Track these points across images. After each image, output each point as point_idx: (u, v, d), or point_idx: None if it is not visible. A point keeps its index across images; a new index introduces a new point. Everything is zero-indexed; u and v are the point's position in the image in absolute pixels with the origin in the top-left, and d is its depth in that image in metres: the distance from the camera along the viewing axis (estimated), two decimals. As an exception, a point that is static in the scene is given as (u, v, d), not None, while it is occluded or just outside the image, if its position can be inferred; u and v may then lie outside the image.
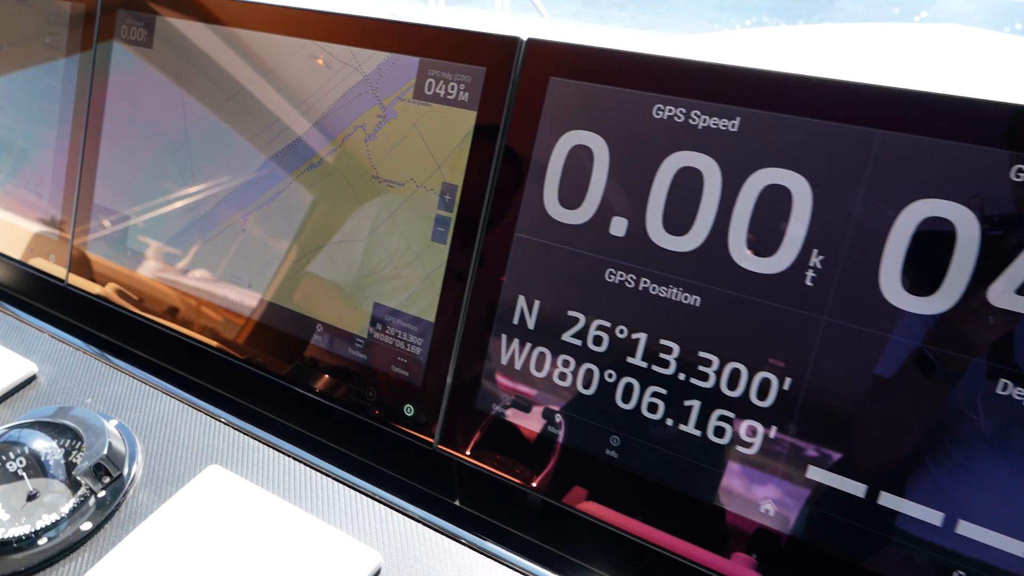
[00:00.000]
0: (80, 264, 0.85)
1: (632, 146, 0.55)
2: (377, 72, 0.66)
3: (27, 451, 0.61)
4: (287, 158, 0.71)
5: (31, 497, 0.60)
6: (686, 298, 0.54)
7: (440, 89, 0.63)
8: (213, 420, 0.66)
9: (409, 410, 0.64)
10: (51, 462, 0.61)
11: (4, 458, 0.61)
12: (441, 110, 0.63)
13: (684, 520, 0.53)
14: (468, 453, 0.62)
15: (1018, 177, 0.44)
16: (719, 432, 0.53)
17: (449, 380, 0.62)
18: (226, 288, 0.75)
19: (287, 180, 0.71)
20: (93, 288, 0.83)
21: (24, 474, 0.60)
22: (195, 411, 0.67)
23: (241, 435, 0.64)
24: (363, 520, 0.57)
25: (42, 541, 0.56)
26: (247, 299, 0.73)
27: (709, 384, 0.53)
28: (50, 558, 0.56)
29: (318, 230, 0.69)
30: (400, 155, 0.65)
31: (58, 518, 0.57)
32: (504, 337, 0.60)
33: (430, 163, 0.63)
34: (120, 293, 0.82)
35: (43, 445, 0.61)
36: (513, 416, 0.60)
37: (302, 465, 0.62)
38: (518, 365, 0.60)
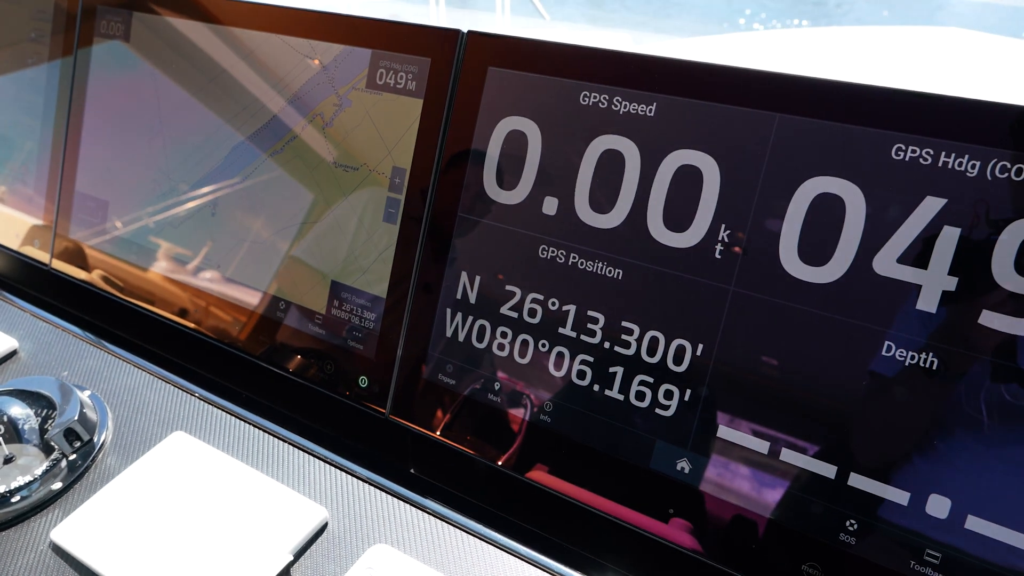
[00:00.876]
0: (63, 249, 0.89)
1: (562, 130, 0.59)
2: (334, 63, 0.70)
3: (4, 417, 0.65)
4: (252, 145, 0.75)
5: (7, 460, 0.64)
6: (610, 272, 0.58)
7: (390, 79, 0.67)
8: (180, 391, 0.71)
9: (364, 382, 0.68)
10: (26, 428, 0.65)
11: (-17, 424, 0.65)
12: (391, 98, 0.67)
13: (613, 480, 0.57)
14: (417, 421, 0.66)
15: (897, 155, 0.48)
16: (640, 396, 0.57)
17: (399, 353, 0.66)
18: (195, 269, 0.79)
19: (252, 166, 0.75)
20: (74, 272, 0.88)
21: (0, 439, 0.65)
22: (164, 383, 0.72)
23: (206, 405, 0.69)
24: (315, 481, 0.62)
25: (15, 499, 0.61)
26: (215, 279, 0.77)
27: (631, 351, 0.57)
28: (23, 514, 0.60)
29: (281, 213, 0.73)
30: (354, 141, 0.69)
31: (31, 479, 0.62)
32: (448, 311, 0.64)
33: (382, 148, 0.67)
34: (100, 276, 0.86)
35: (19, 412, 0.66)
36: (457, 386, 0.64)
37: (261, 432, 0.66)
38: (461, 337, 0.64)
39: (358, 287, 0.69)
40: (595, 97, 0.58)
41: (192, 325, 0.78)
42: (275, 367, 0.73)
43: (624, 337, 0.57)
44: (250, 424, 0.67)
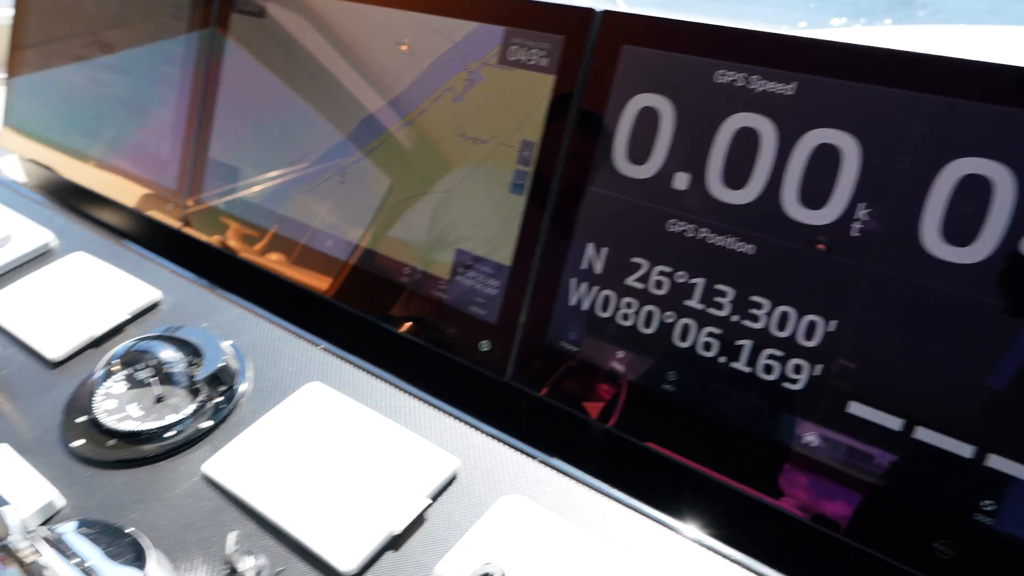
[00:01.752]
0: (194, 213, 0.95)
1: (696, 108, 0.61)
2: (465, 40, 0.73)
3: (156, 360, 0.71)
4: (383, 116, 0.79)
5: (158, 400, 0.70)
6: (741, 247, 0.59)
7: (522, 55, 0.69)
8: (313, 347, 0.75)
9: (485, 346, 0.71)
10: (176, 371, 0.70)
11: (137, 366, 0.71)
12: (523, 74, 0.69)
13: (737, 452, 0.59)
14: (537, 387, 0.68)
15: (1055, 136, 0.47)
16: (768, 369, 0.58)
17: (522, 319, 0.69)
18: (322, 234, 0.83)
19: (382, 136, 0.79)
20: (206, 235, 0.93)
21: (152, 380, 0.70)
22: (297, 339, 0.76)
23: (338, 360, 0.73)
24: (444, 434, 0.65)
25: (169, 434, 0.66)
26: (342, 245, 0.82)
27: (760, 325, 0.58)
28: (175, 448, 0.65)
29: (409, 182, 0.77)
30: (484, 115, 0.72)
31: (182, 417, 0.67)
32: (573, 281, 0.67)
33: (511, 122, 0.70)
34: (230, 239, 0.91)
35: (170, 355, 0.71)
36: (579, 353, 0.66)
37: (391, 386, 0.69)
38: (585, 306, 0.66)
39: (483, 255, 0.72)
40: (731, 75, 0.59)
41: (319, 288, 0.83)
42: (398, 330, 0.77)
43: (753, 311, 0.58)
44: (379, 379, 0.70)
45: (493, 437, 0.64)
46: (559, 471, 0.61)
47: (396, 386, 0.70)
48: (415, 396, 0.69)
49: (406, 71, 0.77)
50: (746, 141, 0.58)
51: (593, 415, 0.65)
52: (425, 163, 0.76)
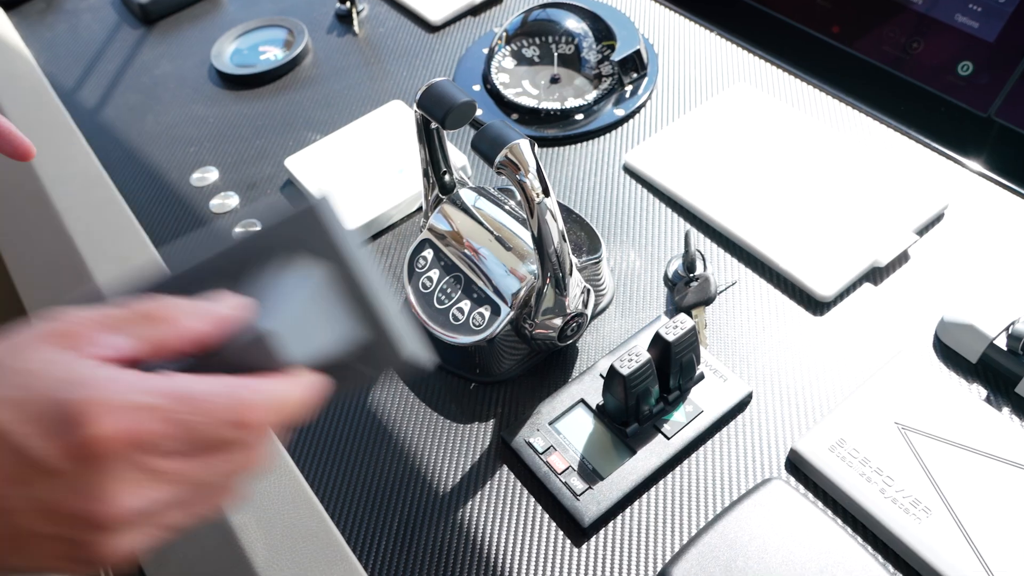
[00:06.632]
0: None
1: None
2: None
3: (560, 28, 0.62)
4: None
5: (553, 80, 0.62)
6: None
7: None
8: (733, 45, 0.63)
9: (965, 68, 0.56)
10: (584, 45, 0.61)
11: (535, 39, 0.63)
12: None
13: None
14: (1030, 129, 0.53)
15: None
16: None
17: (1040, 37, 0.53)
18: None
19: None
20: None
21: (551, 56, 0.62)
22: (712, 34, 0.64)
23: (765, 63, 0.61)
24: (911, 165, 0.53)
25: (578, 117, 0.59)
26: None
27: None
28: (588, 133, 0.58)
29: None
30: None
31: (588, 101, 0.59)
32: None
33: None
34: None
35: (577, 28, 0.62)
36: (1124, 90, 0.50)
37: (839, 102, 0.57)
38: None
39: (1000, -55, 0.54)
40: None
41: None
42: (830, 38, 0.63)
43: None
44: (819, 90, 0.58)
45: (981, 175, 0.51)
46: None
47: (845, 102, 0.57)
48: (870, 115, 0.56)
49: None
50: None
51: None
52: None
